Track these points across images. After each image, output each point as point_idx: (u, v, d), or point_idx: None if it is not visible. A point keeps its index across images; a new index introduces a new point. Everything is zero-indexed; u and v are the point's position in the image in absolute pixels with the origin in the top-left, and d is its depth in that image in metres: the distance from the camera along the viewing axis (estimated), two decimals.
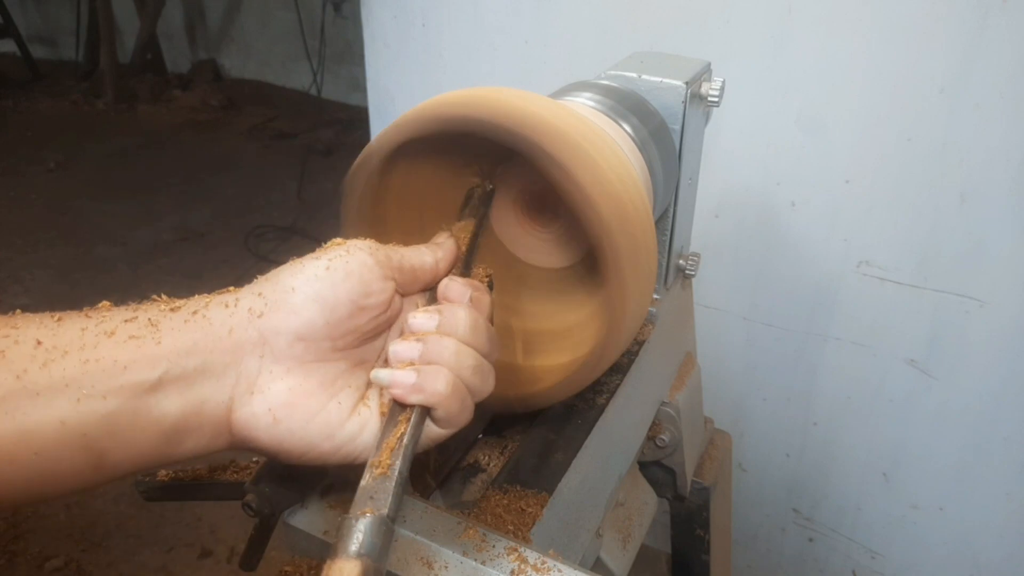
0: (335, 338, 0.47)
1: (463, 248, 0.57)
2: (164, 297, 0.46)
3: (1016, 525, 1.37)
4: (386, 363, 0.49)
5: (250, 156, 4.29)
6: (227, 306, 0.46)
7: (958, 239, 1.21)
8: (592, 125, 0.60)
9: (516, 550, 0.55)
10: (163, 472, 0.70)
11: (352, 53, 4.61)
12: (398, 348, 0.48)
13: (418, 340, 0.48)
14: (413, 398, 0.46)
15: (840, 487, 1.54)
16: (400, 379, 0.46)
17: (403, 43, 1.61)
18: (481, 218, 0.61)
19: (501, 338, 0.65)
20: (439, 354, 0.47)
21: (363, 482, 0.44)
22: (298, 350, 0.46)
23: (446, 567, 0.54)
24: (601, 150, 0.57)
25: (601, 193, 0.53)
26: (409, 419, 0.46)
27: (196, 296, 0.47)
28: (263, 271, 0.48)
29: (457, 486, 0.68)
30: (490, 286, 0.59)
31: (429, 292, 0.55)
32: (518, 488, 0.62)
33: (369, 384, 0.50)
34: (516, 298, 0.67)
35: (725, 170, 1.33)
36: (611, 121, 0.70)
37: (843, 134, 1.23)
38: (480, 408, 0.68)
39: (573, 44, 1.41)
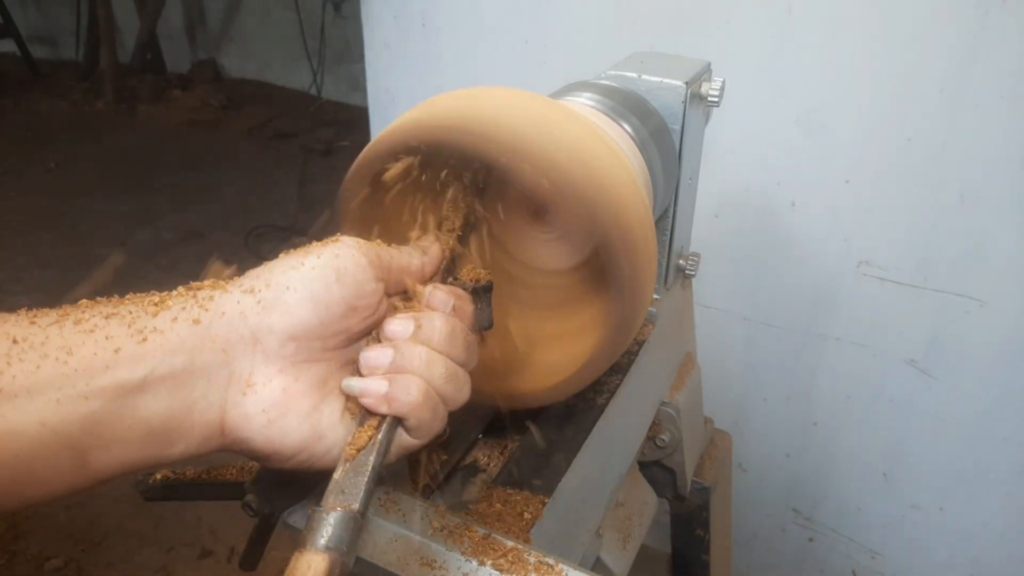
0: (326, 338, 0.47)
1: (448, 253, 0.56)
2: (147, 292, 0.45)
3: (1016, 525, 1.37)
4: (357, 371, 0.49)
5: (250, 156, 4.29)
6: (217, 302, 0.44)
7: (958, 239, 1.21)
8: (591, 125, 0.60)
9: (516, 550, 0.55)
10: (163, 472, 0.70)
11: (352, 53, 4.61)
12: (369, 355, 0.47)
13: (391, 347, 0.47)
14: (383, 408, 0.46)
15: (840, 487, 1.53)
16: (371, 388, 0.46)
17: (403, 43, 1.61)
18: (468, 221, 0.60)
19: (501, 339, 0.65)
20: (411, 362, 0.47)
21: (335, 476, 0.44)
22: (290, 350, 0.45)
23: (446, 567, 0.54)
24: (600, 150, 0.57)
25: (600, 194, 0.53)
26: (381, 421, 0.46)
27: (181, 288, 0.45)
28: None
29: (457, 486, 0.68)
30: (489, 287, 0.59)
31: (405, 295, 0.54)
32: (518, 488, 0.62)
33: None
34: (516, 299, 0.67)
35: (725, 170, 1.33)
36: (611, 121, 0.69)
37: (843, 134, 1.23)
38: (480, 408, 0.67)
39: (573, 44, 1.41)
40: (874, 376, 1.38)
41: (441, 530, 0.56)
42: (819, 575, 1.66)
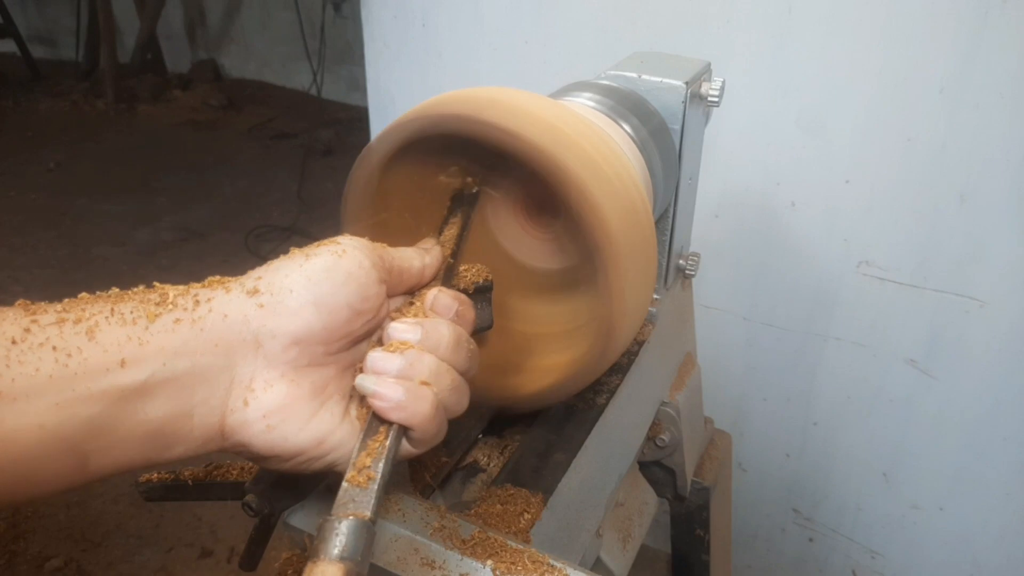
0: (329, 342, 0.46)
1: (448, 254, 0.57)
2: (148, 287, 0.44)
3: (1016, 525, 1.37)
4: (362, 370, 0.48)
5: (250, 156, 4.29)
6: (220, 304, 0.43)
7: (958, 239, 1.21)
8: (591, 125, 0.60)
9: (516, 550, 0.55)
10: (163, 472, 0.70)
11: (352, 53, 4.62)
12: (378, 358, 0.46)
13: (400, 353, 0.46)
14: (395, 415, 0.45)
15: (840, 487, 1.54)
16: (386, 392, 0.45)
17: (403, 43, 1.61)
18: (466, 222, 0.60)
19: (501, 338, 0.65)
20: (420, 371, 0.46)
21: (345, 484, 0.43)
22: (292, 354, 0.45)
23: (446, 567, 0.54)
24: (600, 150, 0.57)
25: (601, 194, 0.53)
26: (389, 428, 0.46)
27: (183, 288, 0.44)
28: None
29: (457, 486, 0.68)
30: (489, 287, 0.59)
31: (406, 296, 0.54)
32: (518, 488, 0.62)
33: (355, 389, 0.49)
34: (516, 299, 0.67)
35: (725, 170, 1.33)
36: (611, 121, 0.70)
37: (843, 134, 1.23)
38: (480, 408, 0.67)
39: (573, 44, 1.41)
40: (874, 376, 1.38)
41: (441, 530, 0.56)
42: (819, 575, 1.66)
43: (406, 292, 0.53)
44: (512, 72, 1.50)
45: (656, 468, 0.97)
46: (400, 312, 0.51)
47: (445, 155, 0.60)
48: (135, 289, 0.44)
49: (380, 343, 0.50)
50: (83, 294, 0.42)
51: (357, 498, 0.42)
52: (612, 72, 0.77)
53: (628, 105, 0.72)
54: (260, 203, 3.74)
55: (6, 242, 3.34)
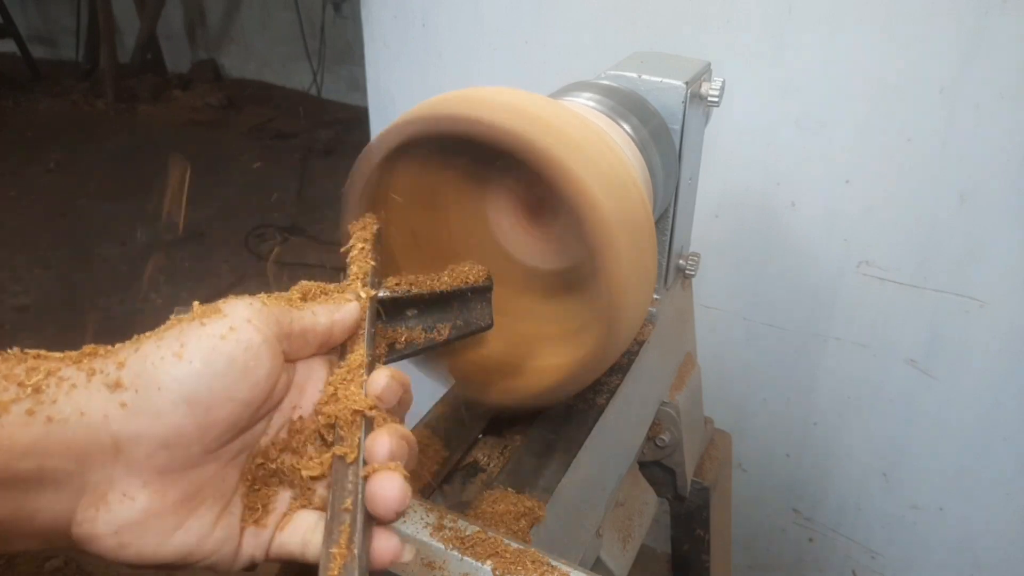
0: (207, 441, 0.40)
1: (368, 303, 0.50)
2: (17, 352, 0.38)
3: (1016, 525, 1.37)
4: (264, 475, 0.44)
5: (250, 156, 4.29)
6: (79, 397, 0.37)
7: (958, 239, 1.21)
8: (591, 125, 0.60)
9: (516, 550, 0.55)
10: None
11: (352, 53, 4.61)
12: (393, 480, 0.40)
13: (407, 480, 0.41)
14: (392, 515, 0.40)
15: (840, 487, 1.54)
16: (406, 496, 0.40)
17: (403, 43, 1.61)
18: (376, 251, 0.56)
19: (501, 339, 0.65)
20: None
21: None
22: (160, 460, 0.38)
23: (446, 567, 0.54)
24: (600, 150, 0.57)
25: (601, 194, 0.53)
26: (354, 531, 0.39)
27: (52, 363, 0.38)
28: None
29: (457, 486, 0.68)
30: (489, 287, 0.59)
31: (329, 353, 0.48)
32: (518, 488, 0.62)
33: (236, 487, 0.43)
34: (516, 299, 0.67)
35: (725, 170, 1.33)
36: (611, 121, 0.70)
37: (843, 134, 1.23)
38: (480, 408, 0.67)
39: (573, 44, 1.41)
40: (874, 376, 1.38)
41: (441, 530, 0.56)
42: (819, 575, 1.66)
43: (316, 353, 0.47)
44: (512, 72, 1.50)
45: (656, 468, 0.97)
46: (331, 395, 0.45)
47: (445, 155, 0.60)
48: (6, 353, 0.38)
49: (322, 438, 0.44)
50: None
51: None
52: (612, 72, 0.77)
53: (628, 105, 0.72)
54: (260, 203, 3.74)
55: (6, 242, 3.34)
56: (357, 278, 0.52)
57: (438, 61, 1.58)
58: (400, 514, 0.40)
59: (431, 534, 0.55)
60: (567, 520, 0.66)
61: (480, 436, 0.73)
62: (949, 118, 1.14)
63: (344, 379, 0.45)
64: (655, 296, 0.86)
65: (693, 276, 0.93)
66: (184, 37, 5.40)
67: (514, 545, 0.55)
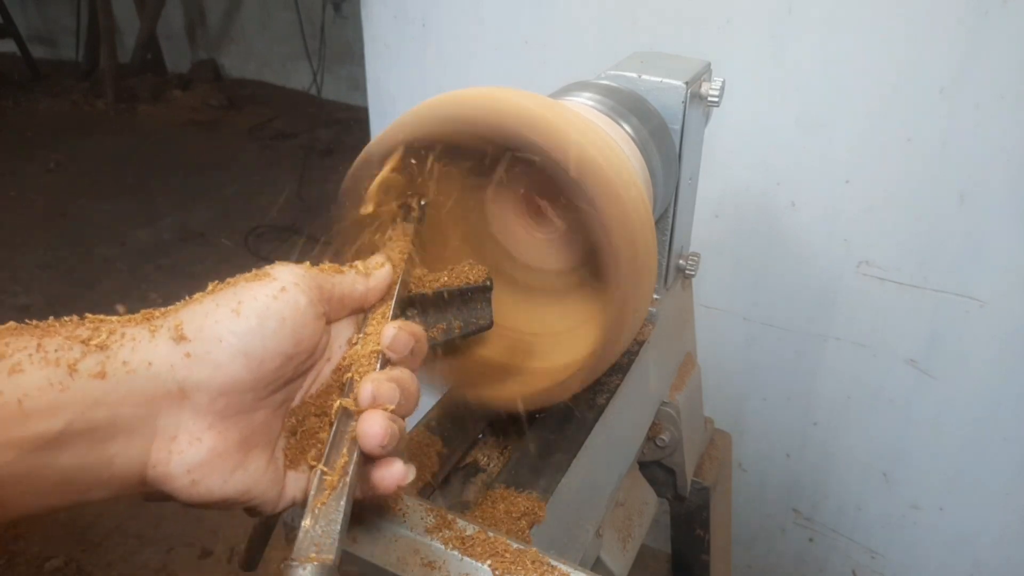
0: (259, 389, 0.44)
1: (399, 271, 0.54)
2: (76, 319, 0.41)
3: (1016, 525, 1.37)
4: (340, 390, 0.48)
5: (250, 156, 4.29)
6: (144, 350, 0.41)
7: (958, 239, 1.21)
8: (592, 125, 0.60)
9: (516, 550, 0.55)
10: None
11: (352, 53, 4.61)
12: (374, 418, 0.45)
13: (392, 419, 0.45)
14: (379, 450, 0.44)
15: (840, 487, 1.54)
16: (392, 435, 0.44)
17: (403, 43, 1.61)
18: (417, 234, 0.58)
19: (501, 338, 0.65)
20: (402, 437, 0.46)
21: (305, 524, 0.42)
22: (220, 405, 0.43)
23: (446, 567, 0.54)
24: (602, 150, 0.57)
25: (601, 194, 0.53)
26: (351, 463, 0.44)
27: (112, 323, 0.42)
28: None
29: (457, 486, 0.68)
30: (489, 287, 0.59)
31: (358, 316, 0.52)
32: (518, 488, 0.62)
33: (280, 435, 0.48)
34: (516, 299, 0.67)
35: (725, 170, 1.33)
36: (611, 121, 0.70)
37: (843, 134, 1.23)
38: (480, 408, 0.67)
39: (573, 44, 1.41)
40: (874, 376, 1.38)
41: (441, 530, 0.56)
42: (819, 575, 1.66)
43: (351, 315, 0.52)
44: (512, 72, 1.50)
45: (656, 468, 0.97)
46: (355, 343, 0.49)
47: (446, 155, 0.60)
48: (65, 319, 0.41)
49: (340, 386, 0.48)
50: (11, 323, 0.40)
51: (320, 541, 0.41)
52: (612, 72, 0.77)
53: (628, 105, 0.72)
54: (260, 203, 3.74)
55: (6, 242, 3.34)
56: (393, 248, 0.55)
57: (438, 61, 1.58)
58: (385, 448, 0.44)
59: (431, 534, 0.55)
60: (567, 520, 0.66)
61: (480, 436, 0.73)
62: (949, 118, 1.14)
63: (365, 335, 0.50)
64: (655, 296, 0.86)
65: (693, 276, 0.92)
66: (184, 37, 5.40)
67: (514, 545, 0.55)
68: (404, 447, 0.47)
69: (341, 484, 0.43)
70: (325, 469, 0.44)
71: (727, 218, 1.38)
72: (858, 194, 1.25)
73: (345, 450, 0.45)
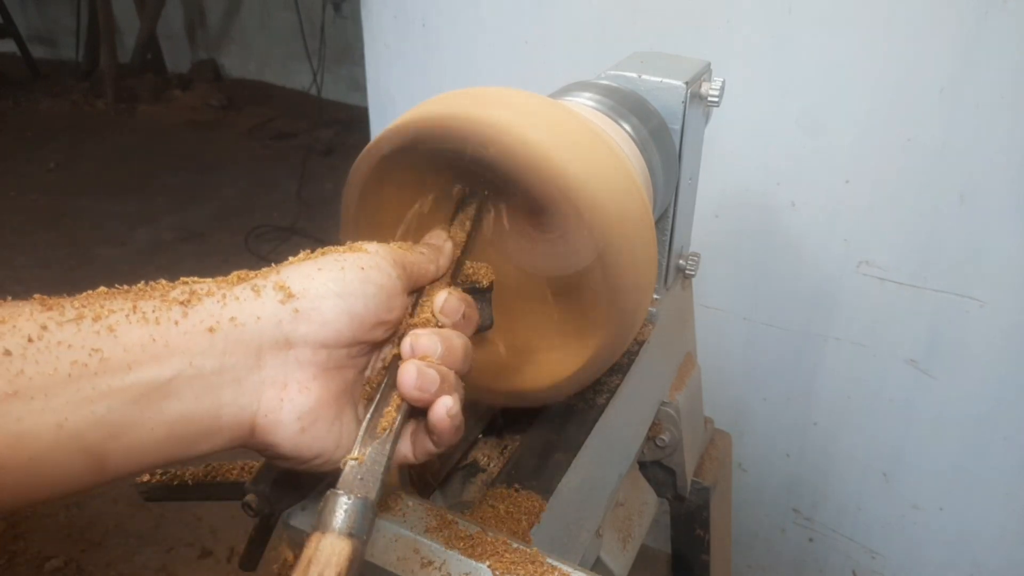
0: (352, 348, 0.47)
1: (458, 252, 0.57)
2: (164, 282, 0.42)
3: (1016, 525, 1.37)
4: (371, 384, 0.50)
5: (250, 156, 4.29)
6: (250, 307, 0.43)
7: (958, 239, 1.21)
8: (590, 125, 0.60)
9: (516, 550, 0.55)
10: (162, 472, 0.70)
11: (352, 53, 4.61)
12: (409, 365, 0.48)
13: (430, 367, 0.47)
14: (428, 396, 0.47)
15: (840, 487, 1.54)
16: (428, 378, 0.46)
17: (403, 43, 1.61)
18: (477, 221, 0.60)
19: (501, 338, 0.65)
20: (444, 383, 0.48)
21: (352, 462, 0.44)
22: (321, 357, 0.46)
23: (446, 567, 0.54)
24: (600, 151, 0.57)
25: (601, 195, 0.53)
26: (399, 411, 0.47)
27: (209, 284, 0.43)
28: None
29: (457, 486, 0.68)
30: (490, 287, 0.59)
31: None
32: (518, 488, 0.62)
33: (363, 393, 0.51)
34: (517, 299, 0.66)
35: (725, 170, 1.33)
36: (611, 121, 0.70)
37: (843, 134, 1.23)
38: (480, 408, 0.67)
39: (573, 44, 1.41)
40: (874, 376, 1.38)
41: (441, 530, 0.56)
42: (819, 575, 1.66)
43: (416, 291, 0.55)
44: (512, 72, 1.50)
45: (656, 468, 0.97)
46: (411, 316, 0.52)
47: (447, 155, 0.60)
48: (156, 283, 0.43)
49: (397, 345, 0.51)
50: (102, 288, 0.41)
51: (365, 478, 0.43)
52: (612, 72, 0.77)
53: (628, 105, 0.72)
54: (260, 203, 3.74)
55: (6, 242, 3.34)
56: (452, 234, 0.57)
57: (438, 61, 1.58)
58: (422, 391, 0.46)
59: (431, 534, 0.56)
60: (567, 520, 0.66)
61: (480, 436, 0.73)
62: (949, 118, 1.14)
63: (421, 304, 0.53)
64: (655, 296, 0.86)
65: (693, 276, 0.93)
66: (184, 37, 5.40)
67: (514, 545, 0.55)
68: (461, 395, 0.49)
69: (388, 431, 0.46)
70: (376, 414, 0.47)
71: (727, 218, 1.38)
72: (858, 194, 1.25)
73: (392, 399, 0.48)
